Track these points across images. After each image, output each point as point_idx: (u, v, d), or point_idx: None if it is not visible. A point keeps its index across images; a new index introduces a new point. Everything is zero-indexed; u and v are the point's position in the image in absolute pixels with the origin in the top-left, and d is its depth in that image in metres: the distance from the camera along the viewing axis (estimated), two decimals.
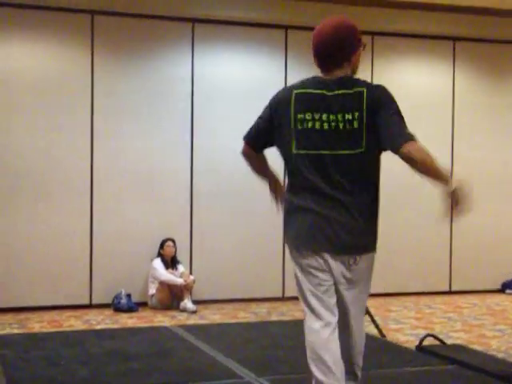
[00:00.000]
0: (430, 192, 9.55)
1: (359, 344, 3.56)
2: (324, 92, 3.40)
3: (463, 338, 6.68)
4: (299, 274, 3.42)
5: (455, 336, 6.79)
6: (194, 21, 8.60)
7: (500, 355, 5.79)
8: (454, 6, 8.74)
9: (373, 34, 9.20)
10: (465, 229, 9.63)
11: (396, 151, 3.37)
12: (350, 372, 3.52)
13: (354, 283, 3.48)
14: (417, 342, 5.47)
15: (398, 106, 3.38)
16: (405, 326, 7.33)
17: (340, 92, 3.38)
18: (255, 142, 3.61)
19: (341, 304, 3.45)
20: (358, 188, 3.39)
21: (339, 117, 3.34)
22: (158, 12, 8.43)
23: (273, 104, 3.50)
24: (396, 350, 5.22)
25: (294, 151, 3.39)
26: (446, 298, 9.20)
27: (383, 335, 6.47)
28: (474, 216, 9.59)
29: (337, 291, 3.43)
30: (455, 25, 9.35)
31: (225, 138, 8.56)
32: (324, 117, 3.36)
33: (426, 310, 8.29)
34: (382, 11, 8.97)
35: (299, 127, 3.38)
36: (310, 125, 3.37)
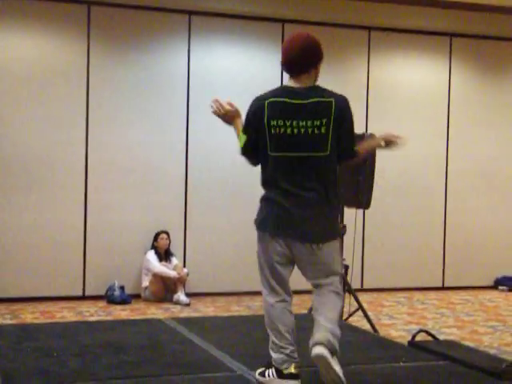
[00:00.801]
0: (424, 189, 9.61)
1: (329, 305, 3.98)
2: (294, 101, 3.87)
3: (456, 334, 6.70)
4: (261, 255, 4.03)
5: (448, 332, 6.81)
6: (191, 13, 8.58)
7: (492, 351, 5.81)
8: (451, 1, 8.75)
9: (369, 28, 9.20)
10: (458, 225, 9.66)
11: (345, 161, 4.00)
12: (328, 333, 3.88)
13: (316, 264, 3.96)
14: (409, 338, 5.48)
15: (353, 121, 3.98)
16: (397, 322, 7.34)
17: (311, 100, 3.86)
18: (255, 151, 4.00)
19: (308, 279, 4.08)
20: (319, 186, 3.86)
21: (309, 123, 3.83)
22: (155, 4, 8.41)
23: (249, 114, 4.01)
24: (388, 345, 5.23)
25: (268, 153, 3.89)
26: (439, 293, 9.22)
27: (376, 330, 6.48)
28: (467, 212, 9.68)
29: (301, 270, 4.05)
30: (452, 21, 9.35)
31: (220, 131, 8.52)
32: (295, 123, 3.84)
33: (418, 306, 8.31)
34: (379, 6, 8.96)
35: (272, 132, 3.87)
36: (282, 130, 3.85)
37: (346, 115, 3.93)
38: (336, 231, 4.07)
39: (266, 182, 3.98)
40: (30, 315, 7.35)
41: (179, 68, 8.58)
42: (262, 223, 4.01)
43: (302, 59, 3.94)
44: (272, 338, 3.98)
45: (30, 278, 8.11)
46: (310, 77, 3.96)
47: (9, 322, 6.99)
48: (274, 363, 3.96)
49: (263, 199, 4.01)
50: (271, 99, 3.92)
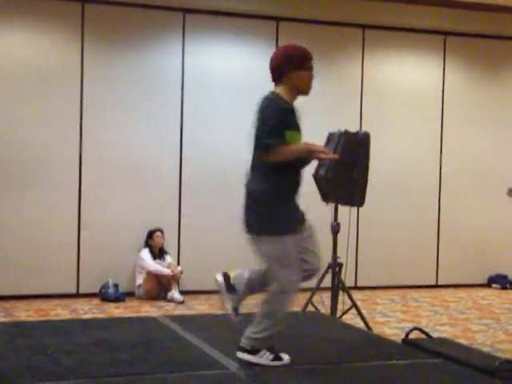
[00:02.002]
0: (418, 188, 9.62)
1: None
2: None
3: (449, 332, 6.72)
4: None
5: (441, 329, 6.83)
6: (185, 11, 8.57)
7: (485, 349, 5.83)
8: (445, 0, 8.75)
9: (363, 26, 9.21)
10: (452, 223, 9.68)
11: (261, 154, 4.21)
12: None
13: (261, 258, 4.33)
14: (403, 336, 5.49)
15: (269, 115, 4.16)
16: (391, 319, 7.36)
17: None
18: None
19: None
20: (256, 179, 4.25)
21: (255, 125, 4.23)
22: (149, 1, 8.40)
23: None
24: (382, 343, 5.24)
25: None
26: (433, 291, 9.24)
27: (369, 328, 6.49)
28: (461, 210, 9.70)
29: None
30: (446, 19, 9.36)
31: (214, 128, 8.55)
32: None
33: (412, 304, 8.33)
34: (373, 4, 8.97)
35: None
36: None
37: (260, 110, 4.22)
38: (262, 227, 4.24)
39: None
40: (24, 313, 7.34)
41: (174, 66, 8.57)
42: None
43: (273, 69, 4.40)
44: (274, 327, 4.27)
45: (24, 275, 8.10)
46: (283, 84, 4.34)
47: (2, 319, 6.98)
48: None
49: None
50: None
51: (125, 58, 8.43)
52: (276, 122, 4.14)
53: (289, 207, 4.31)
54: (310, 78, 4.37)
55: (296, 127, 4.32)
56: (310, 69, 4.39)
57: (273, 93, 4.33)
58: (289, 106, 4.30)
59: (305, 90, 4.39)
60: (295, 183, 4.35)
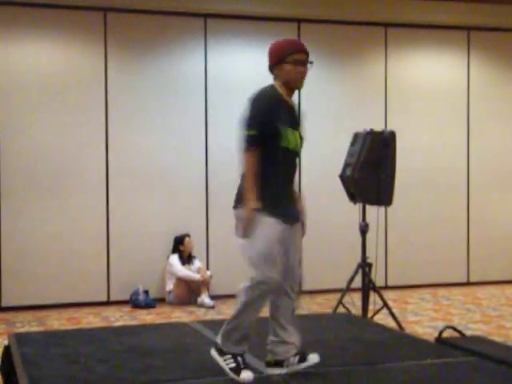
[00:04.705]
0: (446, 185, 9.54)
1: None
2: None
3: (482, 330, 6.65)
4: None
5: (474, 327, 6.76)
6: (207, 16, 8.59)
7: None
8: None
9: (386, 25, 9.17)
10: (481, 219, 9.59)
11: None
12: None
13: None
14: (435, 334, 5.44)
15: (253, 109, 4.12)
16: (423, 318, 7.30)
17: None
18: None
19: None
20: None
21: None
22: (170, 8, 8.43)
23: None
24: (415, 342, 5.19)
25: None
26: (464, 289, 9.16)
27: (402, 328, 6.45)
28: (490, 206, 9.60)
29: None
30: (469, 14, 9.28)
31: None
32: None
33: (444, 302, 8.26)
34: (394, 2, 8.93)
35: None
36: None
37: (248, 105, 4.16)
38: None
39: None
40: (56, 322, 7.39)
41: (196, 71, 8.59)
42: None
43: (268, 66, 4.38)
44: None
45: (55, 284, 8.16)
46: (275, 79, 4.29)
47: (35, 328, 7.03)
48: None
49: None
50: None
51: (148, 64, 8.47)
52: (258, 110, 4.07)
53: (278, 194, 4.10)
54: (295, 72, 4.16)
55: (287, 123, 4.07)
56: (295, 62, 4.16)
57: (269, 85, 4.25)
58: (278, 96, 4.15)
59: (293, 85, 4.21)
60: (286, 172, 4.17)
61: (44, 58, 8.20)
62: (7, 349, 4.93)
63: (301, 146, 4.24)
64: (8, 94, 8.04)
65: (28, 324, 7.27)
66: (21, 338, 5.13)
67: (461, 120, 9.53)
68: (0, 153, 7.99)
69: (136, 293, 8.17)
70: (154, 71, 8.47)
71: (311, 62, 4.25)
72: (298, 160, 4.25)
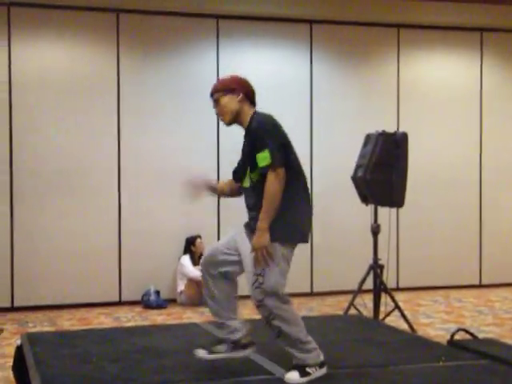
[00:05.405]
0: (458, 186, 9.50)
1: None
2: None
3: (495, 332, 6.62)
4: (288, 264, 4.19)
5: (487, 330, 6.73)
6: (218, 17, 8.59)
7: None
8: None
9: (399, 26, 9.14)
10: (494, 220, 9.55)
11: None
12: None
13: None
14: (447, 337, 5.41)
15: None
16: (435, 321, 7.28)
17: None
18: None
19: None
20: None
21: None
22: (183, 9, 8.45)
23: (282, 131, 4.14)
24: (427, 344, 5.18)
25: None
26: (476, 291, 9.12)
27: (413, 330, 6.43)
28: (503, 207, 9.56)
29: None
30: (482, 15, 9.25)
31: None
32: None
33: (456, 304, 8.23)
34: (408, 3, 8.90)
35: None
36: None
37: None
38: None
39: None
40: (68, 322, 7.41)
41: (208, 72, 8.59)
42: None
43: None
44: (301, 338, 4.09)
45: (67, 284, 8.18)
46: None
47: (47, 328, 7.05)
48: (310, 361, 4.09)
49: None
50: None
51: (160, 66, 8.48)
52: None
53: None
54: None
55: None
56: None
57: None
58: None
59: None
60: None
61: (57, 59, 8.23)
62: (19, 348, 4.95)
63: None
64: (23, 94, 8.07)
65: (40, 324, 7.30)
66: (33, 338, 5.15)
67: (474, 121, 9.49)
68: (14, 152, 8.03)
69: (147, 293, 8.18)
70: (167, 72, 8.48)
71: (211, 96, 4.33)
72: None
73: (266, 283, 4.03)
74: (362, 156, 6.72)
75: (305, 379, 4.06)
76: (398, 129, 8.58)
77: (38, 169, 8.10)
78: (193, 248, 8.39)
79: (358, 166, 6.71)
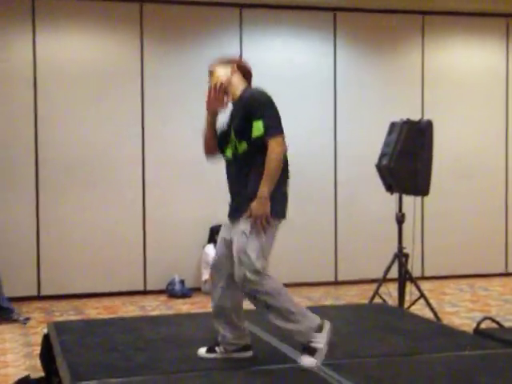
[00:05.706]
0: (484, 174, 9.42)
1: None
2: None
3: None
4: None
5: None
6: (242, 6, 8.57)
7: None
8: None
9: (423, 13, 9.06)
10: None
11: None
12: None
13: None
14: (473, 326, 5.38)
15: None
16: (460, 309, 7.24)
17: None
18: None
19: None
20: None
21: None
22: None
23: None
24: (453, 333, 5.15)
25: None
26: (503, 279, 9.06)
27: (439, 318, 6.40)
28: None
29: None
30: (508, 1, 9.13)
31: None
32: None
33: (481, 293, 8.18)
34: None
35: None
36: None
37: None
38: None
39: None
40: (94, 311, 7.47)
41: None
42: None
43: None
44: (290, 308, 4.12)
45: (92, 274, 8.24)
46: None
47: (73, 317, 7.12)
48: (309, 331, 4.06)
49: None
50: None
51: (183, 55, 8.48)
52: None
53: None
54: None
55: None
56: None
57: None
58: None
59: None
60: None
61: (81, 50, 8.26)
62: (46, 337, 5.00)
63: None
64: (47, 85, 8.11)
65: (66, 313, 7.36)
66: (60, 327, 5.19)
67: (499, 108, 9.40)
68: (39, 143, 8.09)
69: (172, 282, 8.22)
70: (190, 62, 8.48)
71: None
72: None
73: (251, 259, 4.11)
74: (386, 144, 6.68)
75: (317, 357, 4.04)
76: (422, 117, 8.52)
77: (64, 159, 8.15)
78: (217, 237, 8.39)
79: (382, 155, 6.68)
